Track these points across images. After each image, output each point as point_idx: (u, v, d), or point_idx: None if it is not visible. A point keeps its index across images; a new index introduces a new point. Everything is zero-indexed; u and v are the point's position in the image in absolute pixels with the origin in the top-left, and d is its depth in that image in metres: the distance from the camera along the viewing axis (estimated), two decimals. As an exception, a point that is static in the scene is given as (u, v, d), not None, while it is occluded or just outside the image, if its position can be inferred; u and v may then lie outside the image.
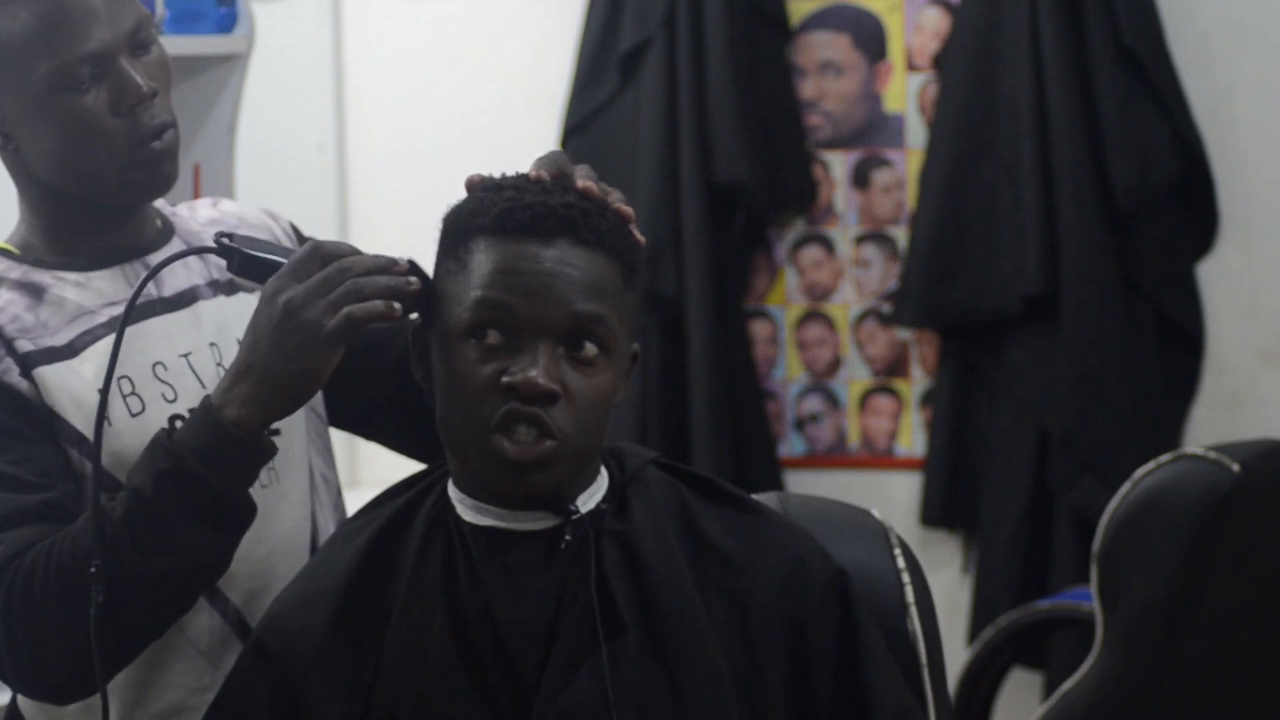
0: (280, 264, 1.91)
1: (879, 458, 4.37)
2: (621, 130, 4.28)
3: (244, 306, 2.13)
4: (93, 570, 1.87)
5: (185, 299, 2.11)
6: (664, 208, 4.22)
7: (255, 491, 1.94)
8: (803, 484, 4.32)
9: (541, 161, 1.91)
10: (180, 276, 2.12)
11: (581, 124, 4.30)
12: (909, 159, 4.28)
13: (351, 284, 1.85)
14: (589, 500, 1.91)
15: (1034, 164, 4.03)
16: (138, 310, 2.06)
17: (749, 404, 4.30)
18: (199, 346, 2.10)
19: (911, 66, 4.27)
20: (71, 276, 2.07)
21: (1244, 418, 4.07)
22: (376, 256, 1.88)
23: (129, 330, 2.04)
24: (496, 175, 1.91)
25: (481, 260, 1.85)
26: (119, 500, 1.90)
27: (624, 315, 1.88)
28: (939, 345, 4.25)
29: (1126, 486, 3.25)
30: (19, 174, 2.09)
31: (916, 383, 4.33)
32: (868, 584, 2.00)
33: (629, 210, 1.90)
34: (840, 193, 4.33)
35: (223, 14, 3.45)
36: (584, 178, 1.89)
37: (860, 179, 4.32)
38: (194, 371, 2.08)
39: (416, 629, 1.87)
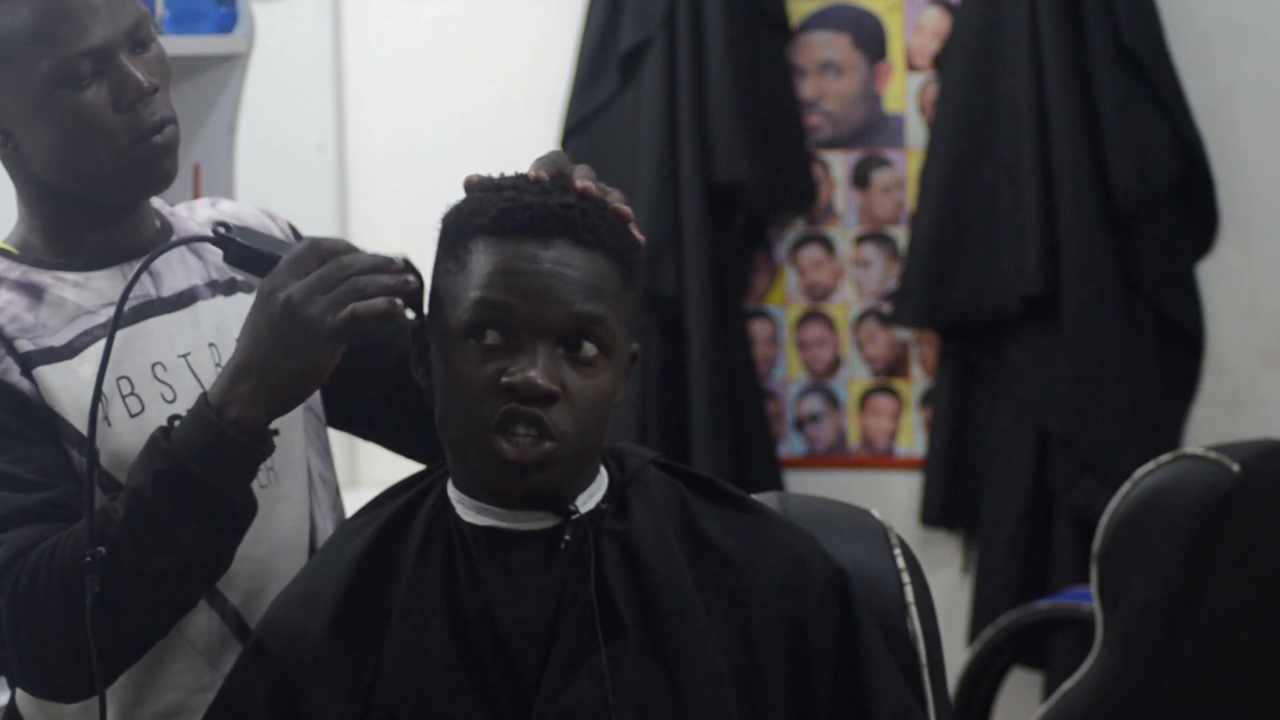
0: (277, 257, 1.91)
1: (879, 458, 4.37)
2: (621, 130, 4.28)
3: (242, 307, 2.12)
4: (88, 560, 1.87)
5: (184, 299, 2.11)
6: (664, 208, 4.22)
7: (254, 491, 1.94)
8: (803, 484, 4.32)
9: (541, 162, 1.91)
10: (179, 276, 2.12)
11: (581, 124, 4.30)
12: (909, 159, 4.28)
13: (352, 281, 1.85)
14: (589, 500, 1.90)
15: (1034, 164, 4.04)
16: (137, 310, 2.06)
17: (749, 404, 4.30)
18: (198, 347, 2.10)
19: (911, 66, 4.27)
20: (70, 277, 2.07)
21: (1244, 418, 4.07)
22: (374, 254, 1.89)
23: (128, 331, 2.04)
24: (496, 175, 1.91)
25: (480, 261, 1.85)
26: (120, 501, 1.90)
27: (623, 315, 1.88)
28: (939, 345, 4.26)
29: (1126, 486, 3.25)
30: (18, 173, 2.09)
31: (916, 383, 4.33)
32: (868, 584, 2.00)
33: (628, 210, 1.90)
34: (840, 193, 4.33)
35: (223, 14, 3.45)
36: (583, 178, 1.89)
37: (860, 179, 4.32)
38: (193, 372, 2.08)
39: (416, 629, 1.87)
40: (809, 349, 4.38)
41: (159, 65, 2.06)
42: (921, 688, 2.04)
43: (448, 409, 1.86)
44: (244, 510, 1.93)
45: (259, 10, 3.53)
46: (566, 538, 1.87)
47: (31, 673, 1.97)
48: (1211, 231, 4.12)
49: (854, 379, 4.37)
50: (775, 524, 1.96)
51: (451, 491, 1.92)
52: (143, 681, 2.05)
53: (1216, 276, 4.12)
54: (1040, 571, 4.12)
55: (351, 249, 1.89)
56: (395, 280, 1.86)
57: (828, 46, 4.31)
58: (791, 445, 4.40)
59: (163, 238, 2.14)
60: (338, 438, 2.28)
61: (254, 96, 3.55)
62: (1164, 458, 3.27)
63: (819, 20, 4.31)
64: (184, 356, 2.09)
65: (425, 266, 1.91)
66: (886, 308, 4.31)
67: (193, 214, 2.20)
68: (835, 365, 4.37)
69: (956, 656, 3.68)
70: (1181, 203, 4.10)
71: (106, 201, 2.08)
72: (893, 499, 4.31)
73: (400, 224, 4.28)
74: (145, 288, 2.09)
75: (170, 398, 2.06)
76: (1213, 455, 3.22)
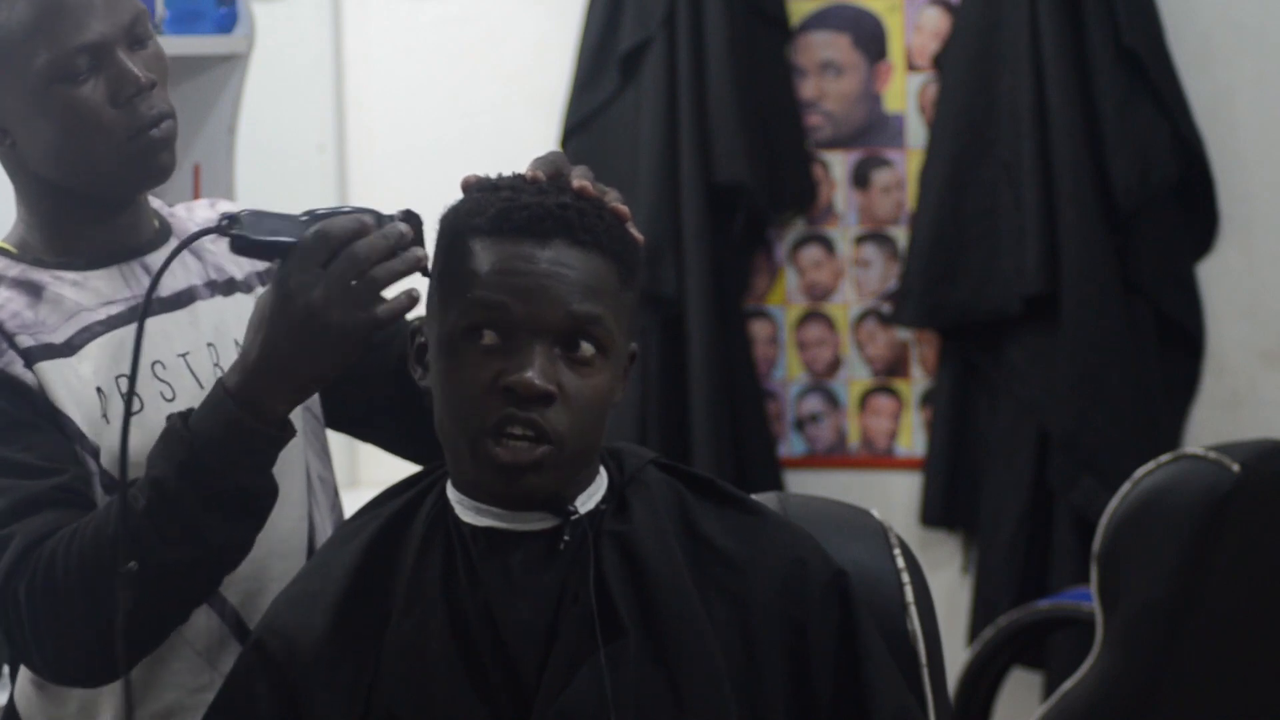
0: (287, 245, 1.88)
1: (879, 458, 4.37)
2: (621, 130, 4.28)
3: (241, 307, 2.14)
4: (122, 573, 1.86)
5: (183, 299, 2.12)
6: (664, 208, 4.22)
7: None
8: (803, 484, 4.32)
9: (539, 162, 1.91)
10: (178, 277, 2.12)
11: (581, 124, 4.30)
12: (909, 159, 4.28)
13: (370, 278, 1.85)
14: (588, 501, 1.90)
15: (1034, 164, 4.03)
16: (136, 310, 2.06)
17: (749, 404, 4.30)
18: (197, 346, 2.10)
19: (911, 66, 4.27)
20: (69, 275, 2.07)
21: (1244, 418, 4.07)
22: (384, 234, 1.87)
23: (128, 329, 2.05)
24: (494, 176, 1.91)
25: (477, 261, 1.84)
26: (139, 491, 1.90)
27: (621, 315, 1.88)
28: (939, 345, 4.25)
29: (1126, 486, 3.25)
30: (17, 170, 2.09)
31: (916, 383, 4.33)
32: (868, 584, 2.00)
33: (625, 210, 1.90)
34: (840, 193, 4.33)
35: (223, 14, 3.45)
36: (580, 177, 1.89)
37: (860, 179, 4.32)
38: (192, 371, 2.08)
39: (416, 629, 1.87)
40: (809, 349, 4.38)
41: (156, 61, 2.06)
42: (921, 688, 2.04)
43: (446, 410, 1.86)
44: (266, 496, 1.94)
45: (259, 10, 3.53)
46: (566, 538, 1.87)
47: (50, 660, 1.97)
48: (1211, 231, 4.12)
49: (854, 379, 4.37)
50: (775, 524, 1.96)
51: (451, 492, 1.92)
52: (142, 681, 2.05)
53: (1216, 276, 4.12)
54: (1040, 571, 4.12)
55: (358, 233, 1.87)
56: (408, 263, 1.86)
57: (828, 46, 4.31)
58: (791, 445, 4.40)
59: (161, 238, 2.14)
60: (337, 438, 2.28)
61: (254, 96, 3.55)
62: (1164, 458, 3.27)
63: (819, 20, 4.31)
64: (183, 356, 2.09)
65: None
66: (886, 308, 4.31)
67: (192, 215, 2.21)
68: (835, 365, 4.37)
69: (956, 656, 3.68)
70: (1181, 203, 4.10)
71: (105, 196, 2.08)
72: (893, 499, 4.31)
73: (400, 224, 4.28)
74: (144, 287, 2.09)
75: (170, 396, 2.06)
76: (1213, 455, 3.22)
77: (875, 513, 2.16)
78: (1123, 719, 3.30)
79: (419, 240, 1.89)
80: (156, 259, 2.11)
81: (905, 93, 4.27)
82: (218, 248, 2.16)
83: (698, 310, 4.22)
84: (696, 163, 4.21)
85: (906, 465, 4.34)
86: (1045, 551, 4.12)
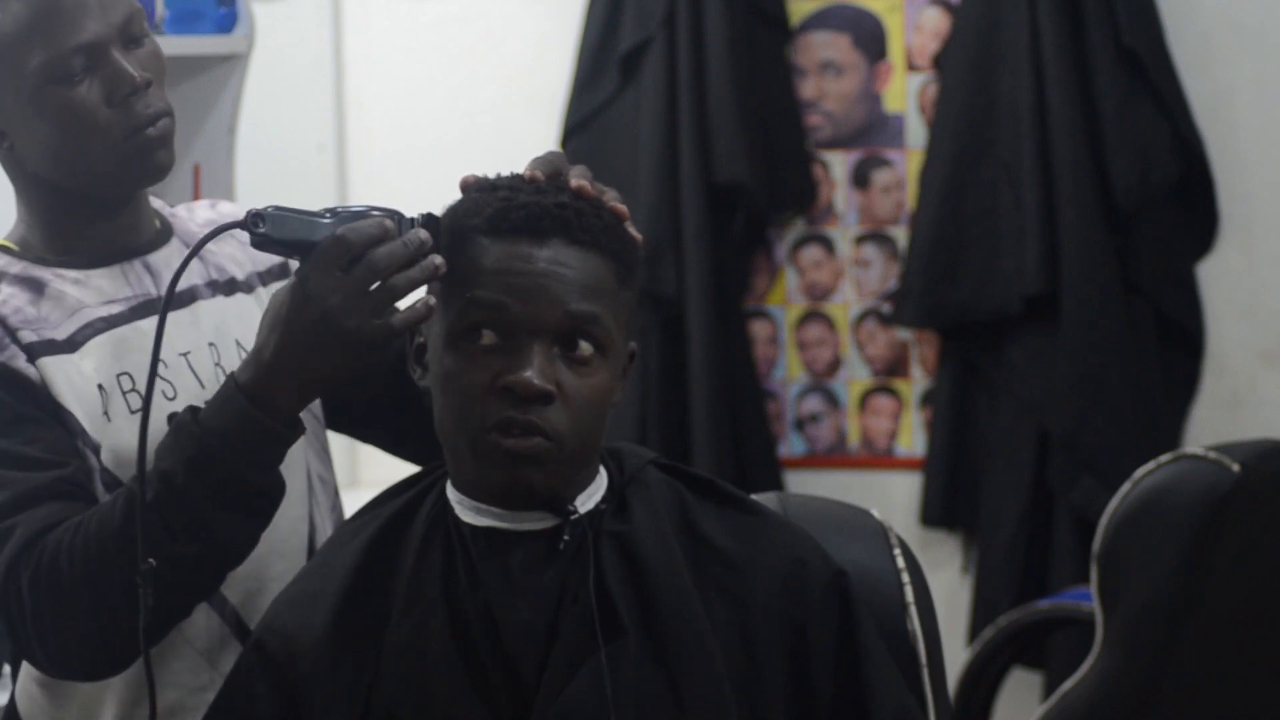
0: (309, 245, 1.87)
1: (879, 458, 4.37)
2: (621, 130, 4.28)
3: (242, 308, 2.14)
4: (144, 570, 1.86)
5: (184, 299, 2.12)
6: (664, 208, 4.22)
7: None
8: (803, 484, 4.32)
9: (538, 162, 1.91)
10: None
11: (581, 124, 4.30)
12: (909, 159, 4.28)
13: (388, 286, 1.84)
14: (588, 501, 1.90)
15: (1034, 164, 4.03)
16: (137, 309, 2.07)
17: (749, 404, 4.30)
18: (198, 346, 2.10)
19: (911, 66, 4.27)
20: (71, 274, 2.07)
21: (1244, 418, 4.07)
22: (405, 241, 1.84)
23: (128, 328, 2.05)
24: (493, 175, 1.91)
25: (476, 261, 1.85)
26: (147, 485, 1.89)
27: (620, 314, 1.88)
28: (939, 345, 4.25)
29: (1126, 486, 3.25)
30: (15, 171, 2.10)
31: (916, 383, 4.33)
32: (868, 584, 2.00)
33: (624, 209, 1.90)
34: (840, 193, 4.33)
35: (223, 14, 3.45)
36: (579, 177, 1.89)
37: (860, 179, 4.32)
38: (193, 370, 2.09)
39: (416, 629, 1.87)
40: (809, 349, 4.38)
41: (153, 60, 2.06)
42: (921, 688, 2.04)
43: (445, 410, 1.86)
44: (274, 493, 1.94)
45: (259, 10, 3.53)
46: (566, 538, 1.87)
47: (52, 653, 1.97)
48: (1211, 231, 4.12)
49: (854, 379, 4.37)
50: (775, 524, 1.96)
51: (450, 492, 1.92)
52: (142, 681, 2.04)
53: (1216, 276, 4.12)
54: (1040, 571, 4.12)
55: (379, 239, 1.84)
56: (426, 272, 1.85)
57: (828, 46, 4.31)
58: (791, 445, 4.40)
59: (162, 238, 2.14)
60: (337, 438, 2.28)
61: (254, 96, 3.55)
62: (1164, 458, 3.27)
63: (819, 20, 4.31)
64: (184, 355, 2.09)
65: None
66: (886, 308, 4.31)
67: (192, 215, 2.21)
68: (835, 365, 4.37)
69: (956, 656, 3.68)
70: (1181, 203, 4.10)
71: (104, 195, 2.08)
72: (893, 499, 4.31)
73: (400, 224, 4.28)
74: (146, 286, 2.09)
75: (171, 395, 2.06)
76: (1213, 455, 3.22)
77: (875, 513, 2.16)
78: (1123, 719, 3.30)
79: (438, 246, 1.87)
80: (157, 258, 2.11)
81: (905, 93, 4.27)
82: (220, 248, 2.16)
83: (698, 310, 4.22)
84: (696, 163, 4.21)
85: (906, 465, 4.34)
86: (1045, 551, 4.12)
